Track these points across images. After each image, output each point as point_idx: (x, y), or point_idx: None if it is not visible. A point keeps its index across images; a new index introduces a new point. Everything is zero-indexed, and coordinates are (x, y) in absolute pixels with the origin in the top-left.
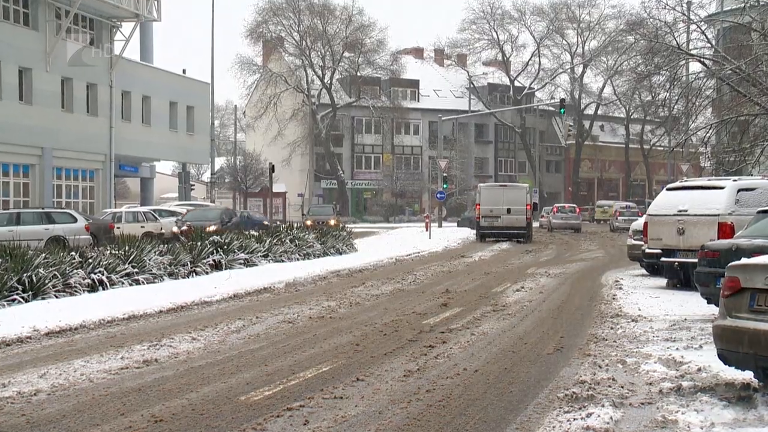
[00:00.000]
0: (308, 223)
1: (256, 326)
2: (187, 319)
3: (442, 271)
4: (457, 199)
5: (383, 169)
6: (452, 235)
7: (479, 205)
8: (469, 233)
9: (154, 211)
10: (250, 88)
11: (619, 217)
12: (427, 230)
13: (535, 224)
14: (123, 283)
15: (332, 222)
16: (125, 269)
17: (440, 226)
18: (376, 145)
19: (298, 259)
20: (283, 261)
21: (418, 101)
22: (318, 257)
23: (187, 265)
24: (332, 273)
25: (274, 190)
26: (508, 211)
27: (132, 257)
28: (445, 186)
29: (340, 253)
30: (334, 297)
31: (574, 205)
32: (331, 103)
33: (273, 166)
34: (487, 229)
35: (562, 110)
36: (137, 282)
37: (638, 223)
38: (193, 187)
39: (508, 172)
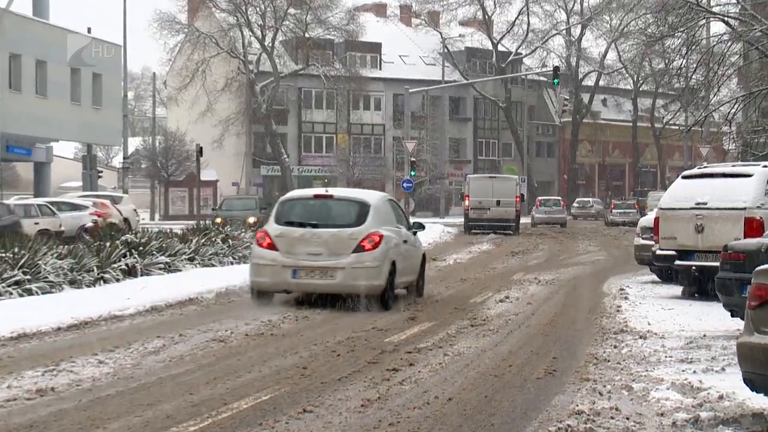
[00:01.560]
0: (218, 221)
1: (179, 346)
2: (92, 337)
3: None
4: (428, 190)
5: (337, 152)
6: (422, 233)
7: (468, 196)
8: (442, 231)
9: (52, 203)
10: (173, 52)
11: (614, 210)
12: None
13: (525, 220)
14: (11, 293)
15: (251, 220)
16: (14, 276)
17: None
18: (328, 123)
19: (232, 263)
20: (213, 265)
21: (380, 69)
22: None
23: (94, 270)
24: None
25: (202, 178)
26: (498, 203)
27: (23, 261)
28: (412, 173)
29: None
30: (275, 310)
31: (559, 198)
32: (273, 71)
33: (201, 148)
34: (475, 221)
35: (555, 81)
36: (29, 292)
37: (648, 218)
38: (100, 175)
39: (490, 156)
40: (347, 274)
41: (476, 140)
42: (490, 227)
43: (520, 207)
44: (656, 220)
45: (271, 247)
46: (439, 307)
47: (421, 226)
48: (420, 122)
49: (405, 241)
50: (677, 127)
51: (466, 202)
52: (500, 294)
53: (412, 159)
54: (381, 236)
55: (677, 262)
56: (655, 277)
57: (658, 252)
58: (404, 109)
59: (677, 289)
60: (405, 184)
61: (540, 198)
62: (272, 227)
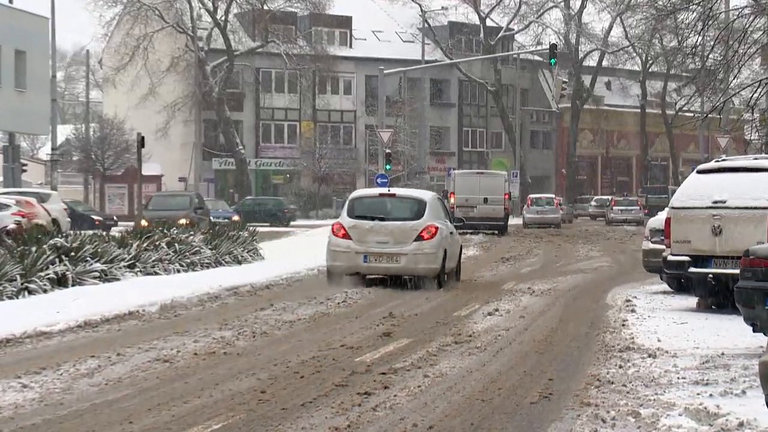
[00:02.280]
0: (143, 223)
1: (117, 367)
2: (15, 357)
3: (383, 288)
4: (406, 185)
5: (301, 142)
6: None
7: (453, 193)
8: None
9: None
10: (109, 26)
11: (614, 207)
12: None
13: (517, 221)
14: None
15: (183, 222)
16: None
17: None
18: (290, 109)
19: (179, 271)
20: (157, 273)
21: (351, 47)
22: (207, 267)
23: (17, 279)
24: (228, 290)
25: (144, 173)
26: (485, 200)
27: None
28: (388, 167)
29: (240, 262)
30: (230, 324)
31: (552, 196)
32: (227, 48)
33: (142, 138)
34: (461, 221)
35: (552, 61)
36: None
37: (658, 219)
38: (25, 168)
39: (477, 147)
40: (409, 259)
41: (461, 129)
42: (476, 227)
43: (509, 205)
44: (667, 221)
45: (346, 236)
46: (418, 321)
47: (461, 221)
48: (396, 108)
49: (451, 233)
50: (692, 114)
51: (451, 200)
52: (488, 306)
53: (388, 150)
54: (437, 228)
55: (691, 270)
56: (666, 287)
57: (670, 258)
58: (378, 93)
59: (692, 301)
60: (379, 180)
61: (531, 196)
62: (346, 220)
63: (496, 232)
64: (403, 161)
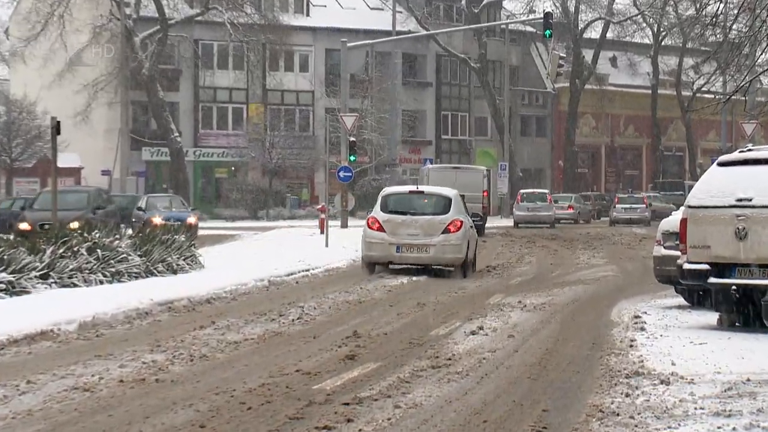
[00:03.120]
0: (23, 227)
1: (26, 397)
2: None
3: (346, 302)
4: (374, 181)
5: (249, 129)
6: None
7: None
8: None
9: None
10: None
11: (618, 206)
12: (322, 232)
13: (506, 221)
14: None
15: (74, 225)
16: None
17: (345, 225)
18: (236, 90)
19: (102, 282)
20: (76, 285)
21: (308, 15)
22: (136, 278)
23: None
24: (161, 305)
25: (60, 165)
26: (462, 198)
27: None
28: (352, 158)
29: (175, 272)
30: (163, 346)
31: (545, 192)
32: (160, 16)
33: (58, 123)
34: None
35: (547, 32)
36: None
37: (672, 220)
38: None
39: (458, 134)
40: (438, 250)
41: (439, 113)
42: None
43: (487, 203)
44: (683, 222)
45: (380, 229)
46: (387, 341)
47: (478, 215)
48: (362, 89)
49: (471, 227)
50: (712, 96)
51: None
52: (471, 324)
53: (352, 139)
54: (462, 222)
55: (711, 280)
56: (681, 300)
57: (686, 266)
58: (340, 71)
59: (712, 317)
60: (342, 173)
61: (522, 191)
62: (380, 215)
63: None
64: (371, 151)
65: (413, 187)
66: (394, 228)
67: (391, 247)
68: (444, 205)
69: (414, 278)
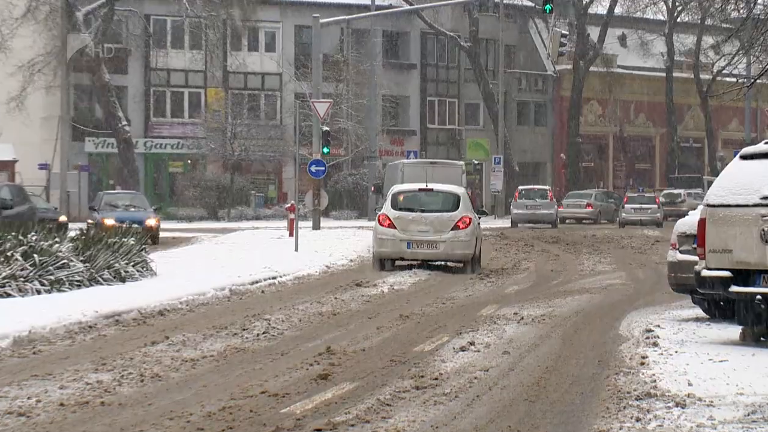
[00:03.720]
0: None
1: None
2: None
3: (319, 314)
4: (351, 176)
5: (207, 117)
6: (340, 243)
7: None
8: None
9: None
10: None
11: (626, 205)
12: (291, 235)
13: (502, 221)
14: None
15: None
16: None
17: (317, 226)
18: (192, 72)
19: (39, 291)
20: (9, 294)
21: None
22: (79, 286)
23: None
24: (107, 317)
25: None
26: None
27: None
28: (325, 150)
29: (123, 279)
30: (110, 364)
31: (547, 188)
32: None
33: None
34: None
35: (547, 7)
36: None
37: (688, 221)
38: None
39: (446, 123)
40: (447, 246)
41: (425, 99)
42: None
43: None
44: (701, 223)
45: (391, 226)
46: (365, 358)
47: (485, 212)
48: (337, 71)
49: (478, 223)
50: (734, 80)
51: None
52: (461, 339)
53: (325, 128)
54: (471, 218)
55: (733, 289)
56: (699, 312)
57: (705, 273)
58: (312, 51)
59: (734, 330)
60: (313, 168)
61: (521, 188)
62: (391, 212)
63: None
64: (347, 142)
65: (423, 185)
66: (405, 224)
67: (401, 243)
68: (453, 202)
69: (396, 287)
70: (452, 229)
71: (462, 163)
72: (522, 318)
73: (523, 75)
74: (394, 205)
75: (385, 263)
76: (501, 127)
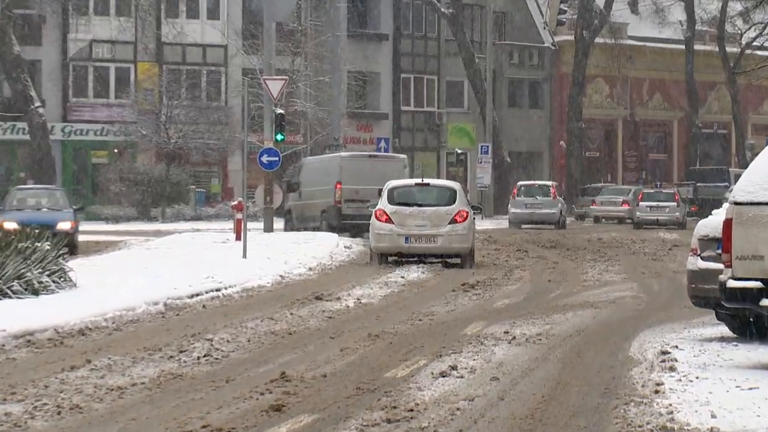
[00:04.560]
0: None
1: None
2: None
3: (272, 333)
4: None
5: (138, 97)
6: (297, 249)
7: (340, 183)
8: (336, 244)
9: None
10: None
11: (642, 203)
12: (239, 238)
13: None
14: None
15: None
16: None
17: (270, 228)
18: (120, 44)
19: None
20: None
21: None
22: None
23: None
24: (17, 338)
25: None
26: (380, 192)
27: None
28: (279, 137)
29: (37, 292)
30: (20, 393)
31: (549, 184)
32: None
33: None
34: (351, 219)
35: None
36: None
37: (711, 222)
38: None
39: (424, 105)
40: (445, 240)
41: (398, 77)
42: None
43: None
44: (727, 224)
45: (389, 221)
46: (327, 386)
47: (479, 208)
48: (294, 43)
49: (474, 217)
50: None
51: (337, 192)
52: (441, 362)
53: (279, 111)
54: (467, 212)
55: (765, 302)
56: (725, 330)
57: (731, 283)
58: (264, 19)
59: (765, 352)
60: (265, 158)
61: (520, 183)
62: (388, 207)
63: None
64: (305, 128)
65: (419, 180)
66: (402, 219)
67: (399, 238)
68: (449, 196)
69: (363, 301)
70: (450, 223)
71: (404, 156)
72: (514, 337)
73: (515, 48)
74: (391, 200)
75: (382, 258)
76: (489, 110)
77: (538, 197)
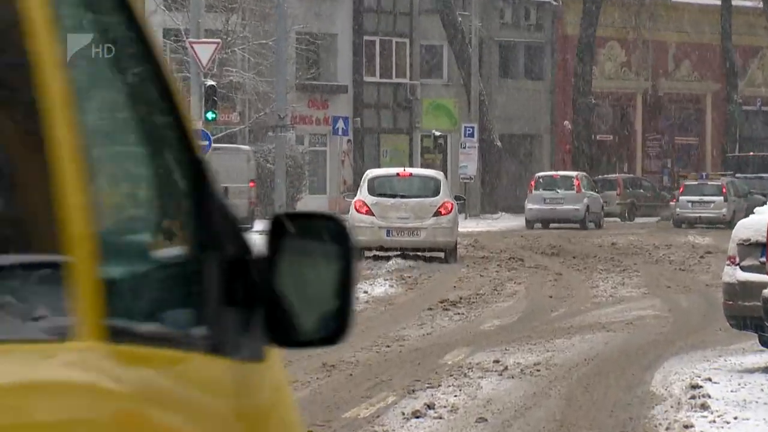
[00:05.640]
0: None
1: None
2: None
3: None
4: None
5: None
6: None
7: (253, 182)
8: None
9: None
10: None
11: (682, 197)
12: None
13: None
14: None
15: None
16: None
17: None
18: None
19: None
20: None
21: None
22: None
23: None
24: None
25: None
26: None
27: None
28: (211, 116)
29: None
30: None
31: (573, 174)
32: None
33: None
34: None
35: None
36: None
37: (753, 223)
38: None
39: (393, 76)
40: (429, 233)
41: (360, 39)
42: None
43: (254, 198)
44: None
45: (369, 213)
46: None
47: (462, 198)
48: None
49: (457, 210)
50: None
51: (251, 189)
52: (414, 399)
53: (210, 82)
54: (452, 204)
55: None
56: None
57: None
58: None
59: None
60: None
61: (539, 175)
62: (368, 198)
63: None
64: (244, 104)
65: (401, 169)
66: (384, 211)
67: (381, 231)
68: (433, 187)
69: None
70: (434, 216)
71: (248, 148)
72: (506, 368)
73: (507, 4)
74: (371, 191)
75: (361, 254)
76: (475, 81)
77: (559, 191)
